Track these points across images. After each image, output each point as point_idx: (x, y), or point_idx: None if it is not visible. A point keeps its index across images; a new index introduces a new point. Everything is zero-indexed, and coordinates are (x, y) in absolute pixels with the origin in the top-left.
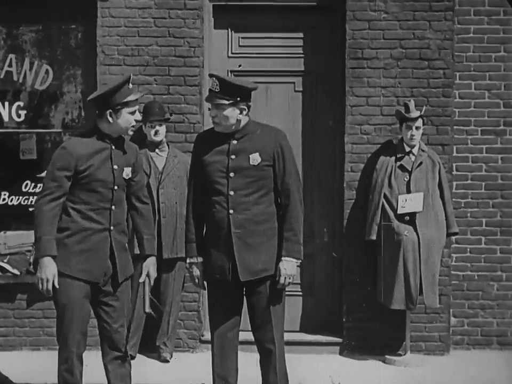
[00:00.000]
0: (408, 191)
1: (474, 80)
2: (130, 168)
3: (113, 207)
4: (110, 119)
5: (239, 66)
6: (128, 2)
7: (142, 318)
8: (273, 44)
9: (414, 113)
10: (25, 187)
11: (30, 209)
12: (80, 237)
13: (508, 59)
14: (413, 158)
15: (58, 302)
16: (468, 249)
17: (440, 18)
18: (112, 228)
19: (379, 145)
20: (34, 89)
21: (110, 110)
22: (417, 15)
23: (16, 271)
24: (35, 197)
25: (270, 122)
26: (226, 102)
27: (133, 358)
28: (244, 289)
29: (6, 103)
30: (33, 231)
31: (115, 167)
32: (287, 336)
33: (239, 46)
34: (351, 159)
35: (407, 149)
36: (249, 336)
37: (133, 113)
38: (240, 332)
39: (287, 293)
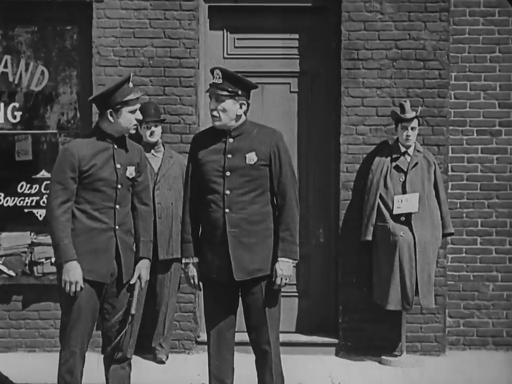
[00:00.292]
0: (404, 192)
1: (470, 80)
2: (133, 167)
3: (117, 206)
4: (111, 118)
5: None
6: (123, 3)
7: (138, 319)
8: (269, 45)
9: (410, 114)
10: (21, 188)
11: (26, 210)
12: (86, 237)
13: (503, 60)
14: (408, 158)
15: (65, 302)
16: (464, 250)
17: (435, 19)
18: (117, 227)
19: (375, 146)
20: (30, 90)
21: (111, 110)
22: (413, 15)
23: (11, 273)
24: (31, 198)
25: (266, 123)
26: (227, 93)
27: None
28: (240, 289)
29: (2, 104)
30: (28, 233)
31: (118, 166)
32: (283, 337)
33: (235, 47)
34: (346, 159)
35: (403, 150)
36: (245, 336)
37: (133, 112)
38: (236, 333)
39: (282, 293)
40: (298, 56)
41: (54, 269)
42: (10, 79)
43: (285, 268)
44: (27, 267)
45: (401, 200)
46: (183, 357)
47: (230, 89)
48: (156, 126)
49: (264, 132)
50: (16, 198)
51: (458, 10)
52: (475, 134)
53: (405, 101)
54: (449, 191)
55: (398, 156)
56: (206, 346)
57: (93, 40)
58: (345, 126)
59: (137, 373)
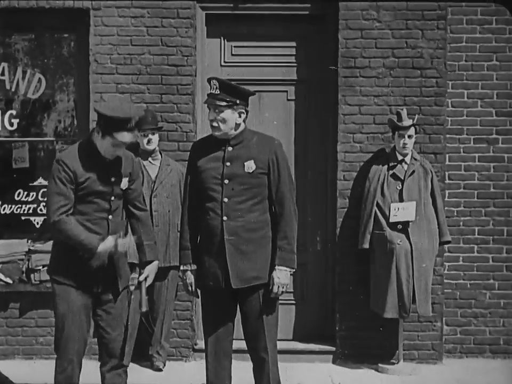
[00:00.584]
0: (401, 200)
1: (467, 89)
2: (127, 178)
3: (110, 216)
4: (97, 134)
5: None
6: (120, 11)
7: (135, 327)
8: (266, 53)
9: (407, 122)
10: (18, 196)
11: (23, 217)
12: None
13: (500, 68)
14: (405, 166)
15: (58, 310)
16: (461, 258)
17: (432, 27)
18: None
19: (372, 154)
20: (27, 98)
21: (100, 130)
22: (410, 24)
23: (8, 280)
24: (28, 206)
25: (263, 130)
26: (225, 104)
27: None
28: (237, 297)
29: None
30: (25, 240)
31: (112, 179)
32: (280, 345)
33: (232, 54)
34: (343, 167)
35: (400, 158)
36: (243, 344)
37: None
38: (234, 340)
39: (279, 301)
40: (295, 64)
41: None
42: (8, 86)
43: (282, 276)
44: (24, 274)
45: (398, 208)
46: (180, 365)
47: (228, 99)
48: (153, 133)
49: (263, 140)
50: (13, 206)
51: (455, 19)
52: (472, 142)
53: (402, 109)
54: (446, 199)
55: (395, 164)
56: (203, 354)
57: (90, 48)
58: (342, 134)
59: (134, 380)
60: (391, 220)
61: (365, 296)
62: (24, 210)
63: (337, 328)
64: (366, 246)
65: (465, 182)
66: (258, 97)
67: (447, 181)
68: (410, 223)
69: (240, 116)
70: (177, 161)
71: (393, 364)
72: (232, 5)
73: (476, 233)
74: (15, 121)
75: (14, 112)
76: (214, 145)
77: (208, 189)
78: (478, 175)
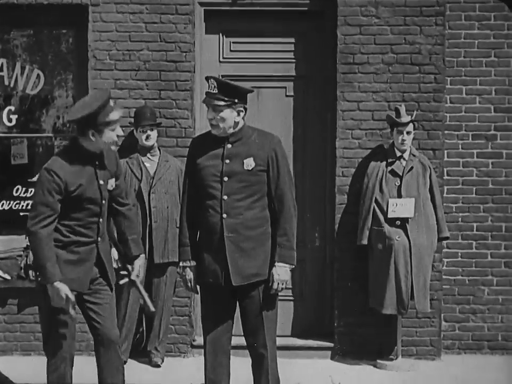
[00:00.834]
0: (399, 196)
1: (465, 85)
2: (113, 179)
3: (100, 220)
4: (93, 138)
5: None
6: (119, 7)
7: (133, 323)
8: (265, 49)
9: (405, 118)
10: (17, 192)
11: (21, 213)
12: (68, 249)
13: (498, 64)
14: (404, 162)
15: (45, 310)
16: (459, 254)
17: (431, 24)
18: (99, 239)
19: (370, 150)
20: (26, 94)
21: (93, 130)
22: (408, 20)
23: (7, 276)
24: (27, 202)
25: (261, 127)
26: (224, 103)
27: (124, 362)
28: (237, 294)
29: None
30: (23, 236)
31: (101, 182)
32: (278, 341)
33: (231, 50)
34: (342, 163)
35: (398, 154)
36: (242, 340)
37: (114, 130)
38: (233, 337)
39: (278, 297)
40: (294, 60)
41: None
42: (6, 82)
43: (282, 272)
44: (22, 270)
45: (396, 204)
46: (179, 361)
47: (226, 99)
48: (152, 129)
49: (262, 137)
50: (11, 202)
51: (454, 15)
52: (470, 139)
53: (401, 105)
54: (444, 195)
55: (394, 160)
56: (201, 350)
57: (89, 44)
58: (341, 130)
59: (132, 376)
60: (388, 216)
61: (363, 292)
62: (22, 206)
63: (335, 324)
64: (365, 242)
65: (464, 178)
66: (257, 93)
67: (445, 177)
68: (408, 219)
69: (239, 114)
70: (175, 157)
71: (392, 360)
72: (230, 1)
73: (475, 229)
74: (14, 117)
75: (12, 108)
76: (213, 142)
77: (207, 186)
78: (476, 171)
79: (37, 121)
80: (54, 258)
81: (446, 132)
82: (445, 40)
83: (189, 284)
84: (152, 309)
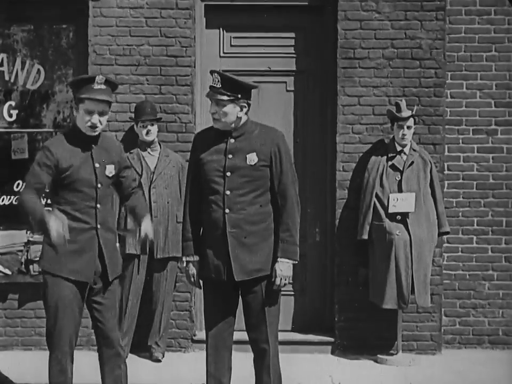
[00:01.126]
0: (400, 191)
1: (466, 79)
2: (113, 166)
3: (98, 205)
4: (75, 112)
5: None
6: (119, 1)
7: (134, 317)
8: (265, 44)
9: (406, 113)
10: (17, 187)
11: None
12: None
13: (499, 59)
14: (404, 157)
15: (49, 303)
16: (460, 249)
17: (431, 18)
18: (99, 226)
19: (371, 145)
20: (26, 89)
21: (75, 104)
22: (409, 14)
23: (7, 271)
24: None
25: (262, 121)
26: (227, 98)
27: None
28: (239, 289)
29: None
30: (24, 231)
31: (96, 165)
32: (279, 336)
33: (231, 45)
34: (342, 158)
35: (399, 149)
36: (244, 335)
37: (90, 113)
38: (234, 332)
39: (281, 293)
40: (294, 55)
41: None
42: (6, 77)
43: (285, 268)
44: (23, 265)
45: (397, 199)
46: (179, 356)
47: (229, 94)
48: (152, 124)
49: (265, 132)
50: (12, 197)
51: (454, 9)
52: (471, 133)
53: (401, 100)
54: (445, 190)
55: (394, 154)
56: (202, 345)
57: (89, 39)
58: (342, 125)
59: (133, 371)
60: (389, 211)
61: (364, 287)
62: None
63: (336, 319)
64: (365, 237)
65: (464, 173)
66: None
67: (446, 172)
68: (409, 214)
69: (241, 110)
70: (176, 152)
71: (392, 354)
72: None
73: (475, 224)
74: (14, 112)
75: (13, 103)
76: (216, 137)
77: (210, 181)
78: (477, 166)
79: (37, 116)
80: (43, 209)
81: (446, 126)
82: (446, 34)
83: (192, 279)
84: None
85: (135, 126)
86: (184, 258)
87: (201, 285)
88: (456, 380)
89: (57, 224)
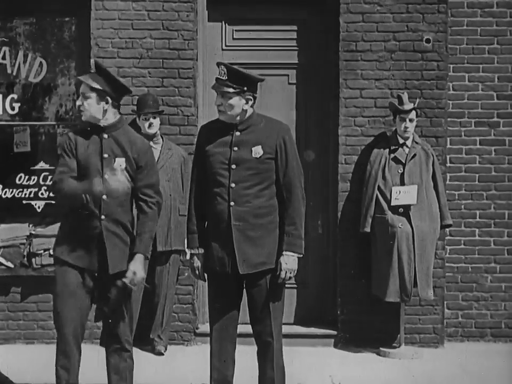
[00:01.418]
0: (402, 183)
1: (468, 72)
2: (123, 159)
3: (104, 196)
4: None
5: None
6: None
7: (136, 311)
8: (267, 37)
9: (408, 106)
10: (19, 180)
11: (24, 201)
12: (75, 224)
13: (501, 51)
14: (406, 150)
15: (56, 290)
16: (462, 241)
17: (433, 11)
18: (103, 217)
19: (373, 137)
20: (28, 82)
21: None
22: (411, 7)
23: (10, 264)
24: (29, 190)
25: (264, 115)
26: (233, 91)
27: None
28: (244, 282)
29: (0, 96)
30: (26, 224)
31: (105, 155)
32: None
33: (233, 38)
34: (345, 151)
35: (401, 141)
36: (248, 328)
37: (79, 95)
38: (239, 325)
39: (285, 286)
40: (296, 48)
41: (52, 260)
42: (9, 70)
43: (290, 261)
44: (25, 259)
45: (399, 192)
46: (182, 349)
47: (235, 86)
48: (154, 117)
49: (271, 125)
50: (14, 190)
51: (456, 2)
52: (473, 126)
53: (403, 93)
54: (447, 182)
55: (396, 147)
56: (204, 338)
57: (92, 32)
58: (344, 118)
59: (135, 364)
60: (392, 203)
61: (366, 280)
62: (25, 194)
63: (338, 312)
64: (368, 229)
65: (467, 165)
66: None
67: (448, 164)
68: (411, 207)
69: (247, 102)
70: (178, 145)
71: (395, 347)
72: None
73: (477, 217)
74: (16, 105)
75: (15, 96)
76: (222, 130)
77: (215, 173)
78: (479, 159)
79: (40, 109)
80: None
81: (448, 119)
82: (448, 27)
83: (197, 272)
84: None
85: (137, 119)
86: (188, 251)
87: (206, 277)
88: (459, 373)
89: (97, 179)
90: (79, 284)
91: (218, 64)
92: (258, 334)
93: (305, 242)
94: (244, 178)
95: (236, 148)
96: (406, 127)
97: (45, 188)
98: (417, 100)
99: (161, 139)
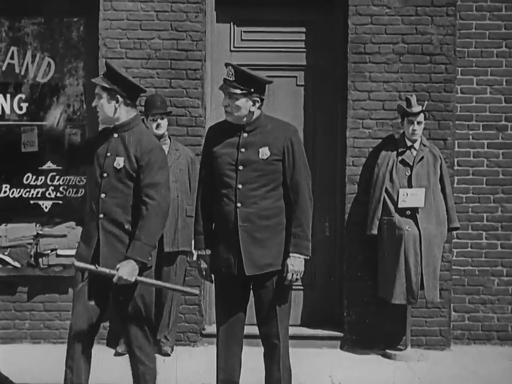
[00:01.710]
0: (410, 186)
1: (476, 75)
2: (123, 159)
3: (102, 195)
4: None
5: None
6: None
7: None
8: (276, 38)
9: (416, 108)
10: (27, 179)
11: (31, 201)
12: (85, 224)
13: (509, 55)
14: (414, 152)
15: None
16: (469, 244)
17: (442, 14)
18: (101, 216)
19: (381, 140)
20: (36, 82)
21: None
22: (420, 10)
23: (17, 264)
24: (37, 190)
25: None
26: (240, 92)
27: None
28: (251, 283)
29: (8, 96)
30: (33, 224)
31: (108, 154)
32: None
33: (242, 40)
34: (352, 153)
35: (409, 144)
36: (254, 329)
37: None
38: (247, 326)
39: (292, 288)
40: (305, 50)
41: (59, 260)
42: (17, 70)
43: (296, 263)
44: (32, 259)
45: (407, 194)
46: (188, 350)
47: (242, 87)
48: (162, 118)
49: (279, 126)
50: (22, 190)
51: (465, 5)
52: (481, 129)
53: (411, 95)
54: (455, 185)
55: (404, 150)
56: (211, 339)
57: (100, 32)
58: (352, 120)
59: None
60: (399, 205)
61: (373, 282)
62: (32, 194)
63: (345, 314)
64: (375, 232)
65: (474, 168)
66: None
67: (456, 167)
68: (419, 209)
69: (254, 104)
70: (186, 146)
71: (401, 350)
72: None
73: (485, 220)
74: (24, 105)
75: (23, 96)
76: (230, 131)
77: (222, 175)
78: (487, 162)
79: (48, 109)
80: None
81: (456, 122)
82: (456, 30)
83: (204, 273)
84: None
85: (145, 120)
86: (195, 252)
87: (213, 279)
88: (465, 375)
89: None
90: (86, 284)
91: (227, 64)
92: (265, 336)
93: (312, 244)
94: (251, 180)
95: (243, 149)
96: (414, 130)
97: (52, 187)
98: (426, 103)
99: (169, 140)
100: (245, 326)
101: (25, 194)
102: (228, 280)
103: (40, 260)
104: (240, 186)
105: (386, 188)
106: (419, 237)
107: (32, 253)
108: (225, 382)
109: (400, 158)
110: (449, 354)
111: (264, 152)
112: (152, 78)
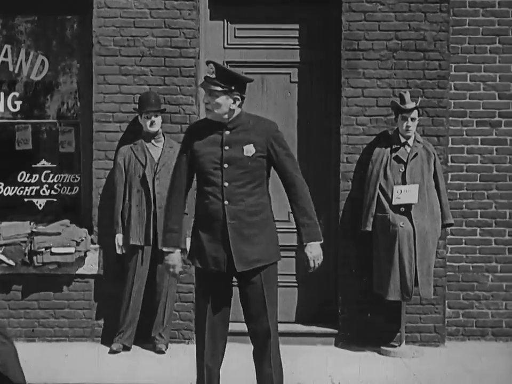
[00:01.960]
0: (404, 182)
1: (470, 71)
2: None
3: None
4: None
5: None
6: None
7: (138, 309)
8: (269, 35)
9: (410, 105)
10: (21, 177)
11: (26, 199)
12: None
13: (503, 51)
14: (408, 149)
15: None
16: (463, 240)
17: (435, 10)
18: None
19: (374, 136)
20: (30, 80)
21: None
22: (413, 6)
23: (11, 262)
24: (31, 188)
25: (266, 113)
26: (220, 89)
27: (128, 349)
28: (237, 280)
29: (2, 94)
30: (28, 222)
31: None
32: (282, 327)
33: (235, 37)
34: (346, 150)
35: (403, 140)
36: (240, 327)
37: None
38: (231, 323)
39: (282, 284)
40: (298, 47)
41: (53, 258)
42: (11, 68)
43: (313, 249)
44: (27, 257)
45: (401, 191)
46: (183, 347)
47: (223, 85)
48: (156, 115)
49: (260, 124)
50: (16, 188)
51: (458, 1)
52: (475, 125)
53: (405, 92)
54: (449, 181)
55: (398, 146)
56: None
57: (93, 30)
58: (345, 117)
59: (136, 362)
60: (393, 203)
61: (367, 279)
62: (27, 192)
63: (339, 310)
64: (369, 228)
65: (468, 164)
66: (261, 79)
67: (449, 164)
68: (413, 206)
69: (234, 102)
70: (180, 144)
71: (396, 346)
72: None
73: (479, 216)
74: (18, 103)
75: (17, 94)
76: (211, 129)
77: (207, 173)
78: (480, 158)
79: (42, 107)
80: None
81: (450, 118)
82: (450, 26)
83: (172, 270)
84: None
85: (139, 117)
86: (165, 249)
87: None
88: (459, 372)
89: None
90: None
91: (208, 62)
92: (255, 332)
93: None
94: (236, 177)
95: (227, 147)
96: (407, 126)
97: (47, 185)
98: (419, 99)
99: (163, 137)
100: (236, 324)
101: (19, 192)
102: (214, 278)
103: (34, 258)
104: (226, 184)
105: (380, 184)
106: (413, 234)
107: (26, 251)
108: (211, 379)
109: (394, 154)
110: (443, 350)
111: (249, 150)
112: (146, 76)
